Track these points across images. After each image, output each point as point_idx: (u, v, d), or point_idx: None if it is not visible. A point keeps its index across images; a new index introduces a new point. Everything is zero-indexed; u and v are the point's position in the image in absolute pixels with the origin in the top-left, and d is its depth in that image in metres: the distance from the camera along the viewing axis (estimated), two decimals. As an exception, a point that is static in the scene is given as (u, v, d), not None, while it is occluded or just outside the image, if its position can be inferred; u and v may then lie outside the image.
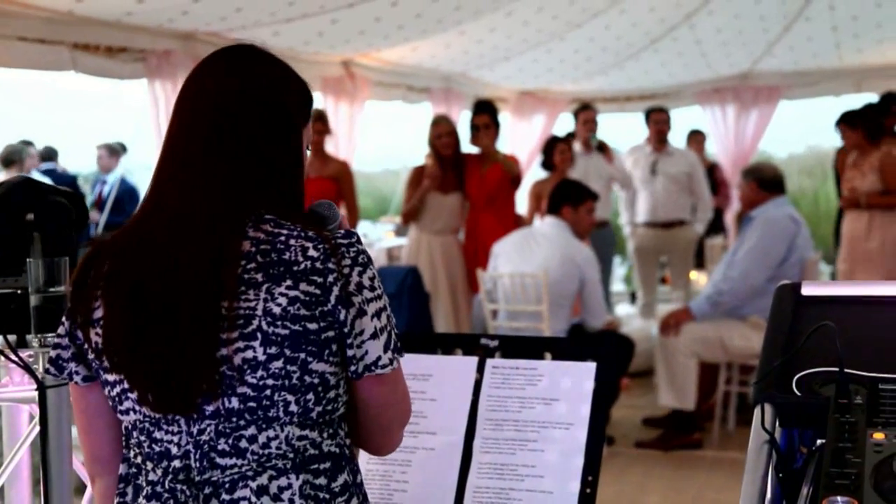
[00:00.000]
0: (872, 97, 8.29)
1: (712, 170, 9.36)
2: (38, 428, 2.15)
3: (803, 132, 15.57)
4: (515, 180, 6.89)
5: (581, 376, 2.32)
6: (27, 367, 2.09)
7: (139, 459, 1.58)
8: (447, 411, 2.38)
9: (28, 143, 9.57)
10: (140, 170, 10.74)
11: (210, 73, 1.60)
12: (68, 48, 5.38)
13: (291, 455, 1.53)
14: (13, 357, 2.09)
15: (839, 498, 1.41)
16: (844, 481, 1.44)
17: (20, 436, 2.41)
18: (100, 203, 9.91)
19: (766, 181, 5.73)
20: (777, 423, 1.76)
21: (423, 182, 6.65)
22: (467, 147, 6.89)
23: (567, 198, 5.68)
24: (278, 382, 1.49)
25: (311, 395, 1.52)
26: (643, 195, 8.09)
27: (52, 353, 1.62)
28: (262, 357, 1.48)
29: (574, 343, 2.63)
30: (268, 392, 1.49)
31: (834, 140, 7.23)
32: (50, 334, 2.17)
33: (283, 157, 1.60)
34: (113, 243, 1.59)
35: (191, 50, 6.00)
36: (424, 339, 2.52)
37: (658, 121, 8.06)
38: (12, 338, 2.18)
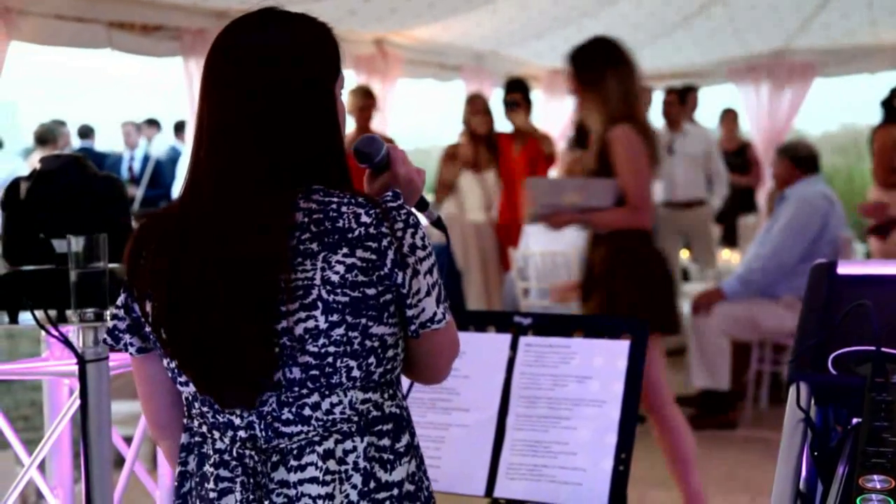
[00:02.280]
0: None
1: (745, 149, 9.29)
2: (78, 402, 2.18)
3: (838, 110, 15.42)
4: (549, 158, 6.88)
5: (614, 354, 2.32)
6: (67, 342, 2.12)
7: (204, 429, 1.60)
8: (480, 388, 2.39)
9: (61, 123, 9.70)
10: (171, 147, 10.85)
11: (236, 41, 1.57)
12: (104, 26, 5.42)
13: (356, 419, 1.54)
14: (53, 332, 2.12)
15: (876, 477, 1.41)
16: (881, 460, 1.44)
17: (61, 410, 2.45)
18: (133, 179, 10.05)
19: (800, 159, 5.69)
20: (812, 402, 1.76)
21: (457, 160, 6.66)
22: (500, 125, 6.89)
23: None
24: (340, 349, 1.51)
25: (372, 359, 1.54)
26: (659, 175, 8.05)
27: (110, 324, 1.64)
28: (323, 325, 1.49)
29: (607, 321, 2.62)
30: (330, 359, 1.50)
31: (869, 118, 7.15)
32: (89, 309, 2.19)
33: (323, 121, 1.58)
34: (164, 218, 1.59)
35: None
36: (458, 316, 2.53)
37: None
38: (53, 313, 2.21)
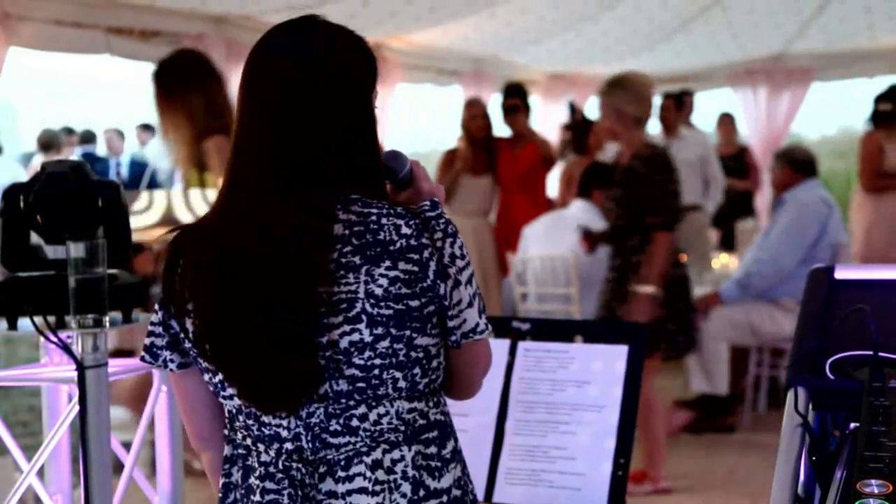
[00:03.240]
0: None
1: (743, 153, 9.30)
2: (77, 408, 2.18)
3: (836, 114, 15.44)
4: (548, 161, 6.89)
5: (613, 359, 2.32)
6: (66, 348, 2.12)
7: (248, 441, 1.59)
8: (479, 393, 2.39)
9: (69, 131, 9.78)
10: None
11: (275, 49, 1.56)
12: (103, 31, 5.43)
13: (403, 428, 1.54)
14: (52, 338, 2.12)
15: (873, 481, 1.42)
16: (879, 465, 1.45)
17: (59, 416, 2.45)
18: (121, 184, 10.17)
19: (798, 164, 5.70)
20: (810, 407, 1.76)
21: (455, 164, 6.67)
22: (499, 130, 6.90)
23: (597, 181, 5.67)
24: (386, 361, 1.50)
25: (417, 370, 1.54)
26: None
27: (147, 341, 1.63)
28: (368, 339, 1.49)
29: (605, 326, 2.63)
30: (376, 371, 1.50)
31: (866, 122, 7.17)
32: (88, 315, 2.19)
33: (360, 129, 1.57)
34: (198, 231, 1.58)
35: (223, 33, 6.02)
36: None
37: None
38: (51, 319, 2.21)
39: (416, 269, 1.50)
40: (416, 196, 1.66)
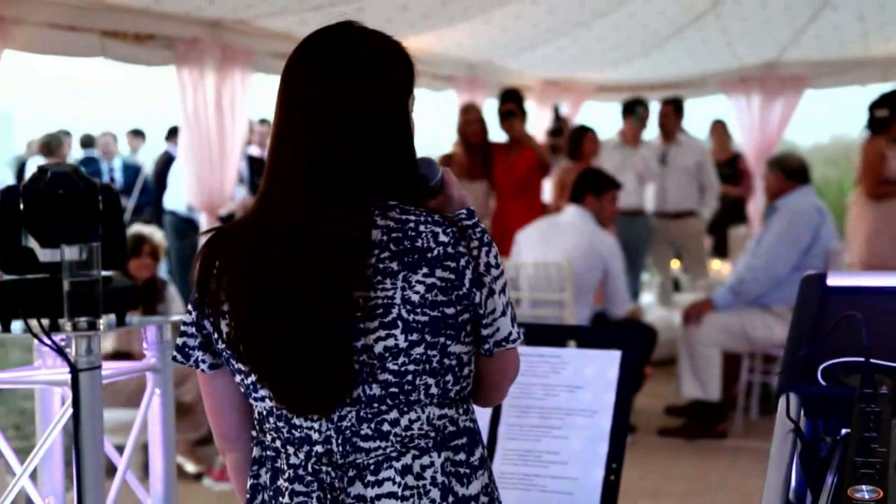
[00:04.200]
0: (899, 87, 8.21)
1: (735, 160, 9.32)
2: (70, 411, 2.18)
3: (829, 122, 15.50)
4: (544, 167, 6.90)
5: (605, 364, 2.33)
6: (60, 351, 2.12)
7: (278, 443, 1.59)
8: (472, 398, 2.39)
9: (66, 133, 9.82)
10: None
11: (309, 56, 1.57)
12: (97, 35, 5.42)
13: (433, 434, 1.55)
14: (46, 340, 2.12)
15: (864, 487, 1.42)
16: (869, 471, 1.45)
17: (52, 418, 2.45)
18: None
19: (791, 171, 5.72)
20: (802, 413, 1.77)
21: (451, 169, 6.69)
22: (495, 135, 6.91)
23: (590, 186, 5.68)
24: (419, 367, 1.51)
25: (449, 377, 1.55)
26: (652, 186, 8.07)
27: (179, 341, 1.63)
28: (403, 344, 1.49)
29: (598, 331, 2.64)
30: (409, 377, 1.51)
31: (859, 130, 7.18)
32: (82, 318, 2.19)
33: (397, 134, 1.58)
34: (235, 233, 1.58)
35: (218, 37, 6.02)
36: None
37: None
38: (45, 321, 2.21)
39: (452, 276, 1.51)
40: (446, 203, 1.67)
